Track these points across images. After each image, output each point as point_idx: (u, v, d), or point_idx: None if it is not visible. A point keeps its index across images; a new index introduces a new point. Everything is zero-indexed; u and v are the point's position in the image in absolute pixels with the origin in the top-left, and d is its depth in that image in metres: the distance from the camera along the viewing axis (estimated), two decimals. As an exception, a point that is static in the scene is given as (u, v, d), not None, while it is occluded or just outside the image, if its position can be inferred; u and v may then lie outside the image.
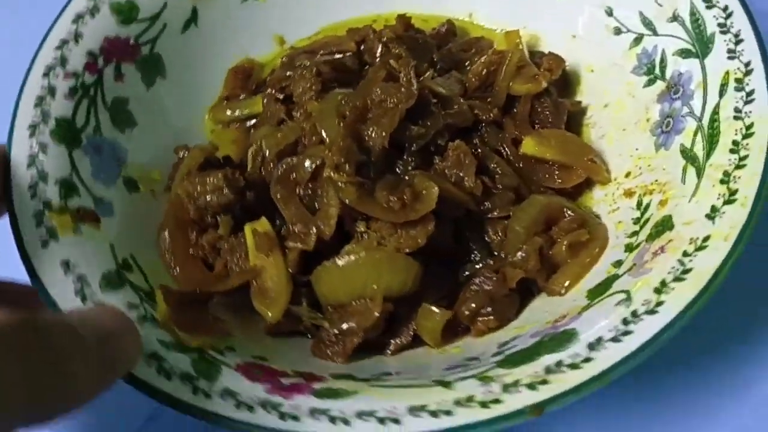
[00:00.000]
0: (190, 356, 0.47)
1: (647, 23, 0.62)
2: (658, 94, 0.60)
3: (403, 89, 0.58)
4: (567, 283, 0.55)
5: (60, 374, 0.36)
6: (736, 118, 0.51)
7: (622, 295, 0.47)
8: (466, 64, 0.69)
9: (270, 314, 0.55)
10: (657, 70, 0.60)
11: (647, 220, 0.54)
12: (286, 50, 0.76)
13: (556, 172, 0.62)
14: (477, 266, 0.58)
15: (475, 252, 0.59)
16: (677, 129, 0.56)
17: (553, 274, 0.56)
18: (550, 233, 0.58)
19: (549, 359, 0.44)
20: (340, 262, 0.54)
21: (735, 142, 0.50)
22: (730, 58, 0.54)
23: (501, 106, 0.65)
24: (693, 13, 0.58)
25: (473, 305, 0.55)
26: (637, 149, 0.60)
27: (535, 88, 0.64)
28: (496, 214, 0.59)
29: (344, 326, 0.54)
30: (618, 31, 0.65)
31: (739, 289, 0.50)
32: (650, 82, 0.61)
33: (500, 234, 0.59)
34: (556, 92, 0.66)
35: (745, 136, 0.50)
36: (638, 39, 0.63)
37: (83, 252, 0.53)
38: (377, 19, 0.78)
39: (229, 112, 0.72)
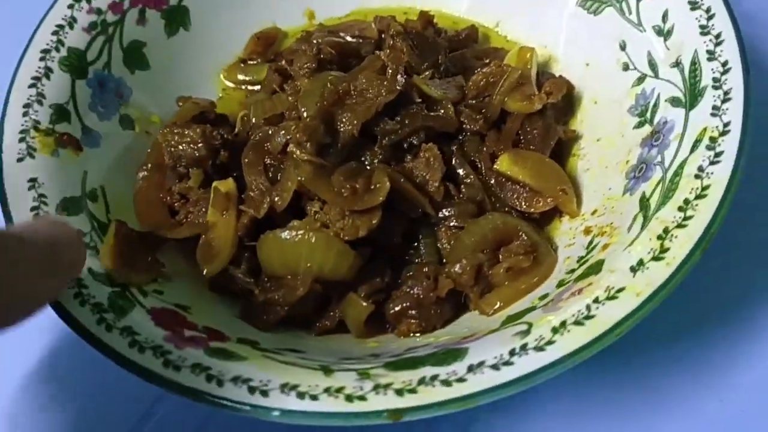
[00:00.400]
0: (111, 290, 0.51)
1: (652, 64, 0.60)
2: (643, 137, 0.58)
3: (386, 83, 0.59)
4: (497, 305, 0.55)
5: (4, 279, 0.38)
6: (696, 176, 0.49)
7: (524, 326, 0.47)
8: (476, 71, 0.69)
9: (206, 269, 0.57)
10: (648, 114, 0.58)
11: (586, 261, 0.53)
12: (313, 25, 0.78)
13: (525, 195, 0.61)
14: (419, 269, 0.58)
15: (423, 255, 0.59)
16: (645, 177, 0.54)
17: (488, 293, 0.56)
18: (498, 252, 0.58)
19: (428, 371, 0.45)
20: (281, 234, 0.56)
21: (686, 201, 0.48)
22: (713, 114, 0.52)
23: (492, 119, 0.64)
24: (694, 62, 0.56)
25: (399, 305, 0.56)
26: (609, 189, 0.59)
27: (528, 108, 0.63)
28: (452, 223, 0.59)
29: (271, 297, 0.56)
30: (626, 67, 0.63)
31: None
32: (640, 125, 0.59)
33: (451, 243, 0.59)
34: (554, 116, 0.65)
35: (698, 197, 0.48)
36: (641, 79, 0.61)
37: (53, 174, 0.57)
38: (408, 11, 0.78)
39: (241, 75, 0.74)
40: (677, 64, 0.57)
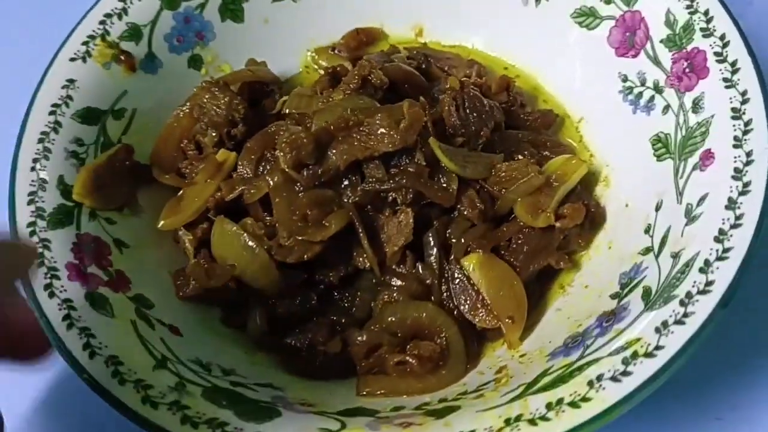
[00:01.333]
0: (62, 201, 0.57)
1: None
2: (610, 294, 0.53)
3: (393, 133, 0.58)
4: (369, 390, 0.54)
5: None
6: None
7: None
8: (525, 153, 0.65)
9: (162, 222, 0.62)
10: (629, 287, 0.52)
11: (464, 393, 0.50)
12: (417, 42, 0.77)
13: (474, 303, 0.57)
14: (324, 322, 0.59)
15: (355, 305, 0.59)
16: (567, 351, 0.49)
17: (375, 374, 0.55)
18: (409, 342, 0.56)
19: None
20: (228, 224, 0.58)
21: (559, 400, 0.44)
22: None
23: (495, 213, 0.61)
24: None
25: (295, 338, 0.57)
26: (549, 342, 0.54)
27: (530, 221, 0.59)
28: (393, 292, 0.58)
29: (196, 272, 0.59)
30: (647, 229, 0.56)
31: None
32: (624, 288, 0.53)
33: (379, 308, 0.58)
34: (563, 240, 0.60)
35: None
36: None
37: (93, 82, 0.64)
38: (509, 68, 0.74)
39: (323, 61, 0.76)
40: (676, 256, 0.50)
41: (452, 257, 0.59)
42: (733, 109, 0.53)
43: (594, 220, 0.61)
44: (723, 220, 0.49)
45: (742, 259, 0.46)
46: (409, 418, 0.47)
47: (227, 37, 0.73)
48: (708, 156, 0.53)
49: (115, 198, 0.61)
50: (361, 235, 0.57)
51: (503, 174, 0.61)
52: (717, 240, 0.48)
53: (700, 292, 0.46)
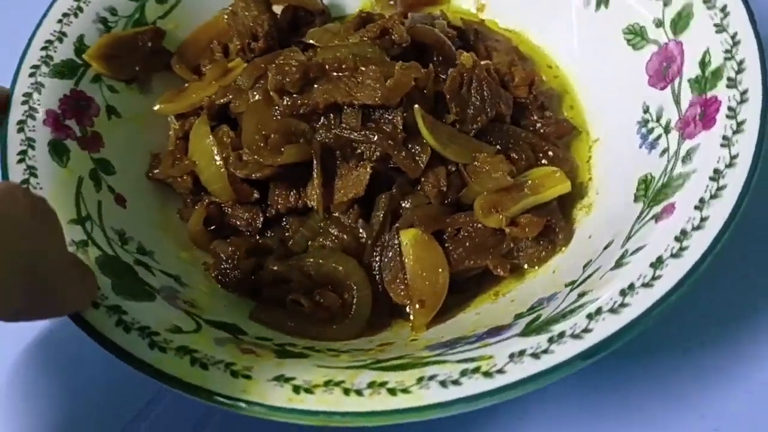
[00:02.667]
0: (73, 57, 0.62)
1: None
2: (516, 313, 0.51)
3: (380, 90, 0.57)
4: (258, 317, 0.55)
5: None
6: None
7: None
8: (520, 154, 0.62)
9: (158, 105, 0.66)
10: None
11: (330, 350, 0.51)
12: (474, 15, 0.75)
13: (394, 275, 0.57)
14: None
15: (289, 236, 0.61)
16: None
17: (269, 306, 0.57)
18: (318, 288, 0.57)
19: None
20: (202, 127, 0.61)
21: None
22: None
23: (456, 201, 0.59)
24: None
25: (221, 247, 0.60)
26: (442, 336, 0.52)
27: (481, 218, 0.57)
28: (321, 238, 0.59)
29: (166, 159, 0.63)
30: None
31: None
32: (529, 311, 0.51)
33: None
34: (510, 244, 0.58)
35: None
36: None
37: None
38: (553, 66, 0.70)
39: (378, 8, 0.76)
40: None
41: (396, 226, 0.59)
42: (715, 171, 0.48)
43: (554, 242, 0.58)
44: (640, 275, 0.45)
45: (623, 326, 0.43)
46: (255, 347, 0.48)
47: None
48: (669, 209, 0.49)
49: (125, 71, 0.65)
50: (315, 173, 0.58)
51: (478, 164, 0.59)
52: (621, 293, 0.44)
53: (573, 336, 0.43)
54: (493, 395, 0.41)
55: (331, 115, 0.59)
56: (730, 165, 0.48)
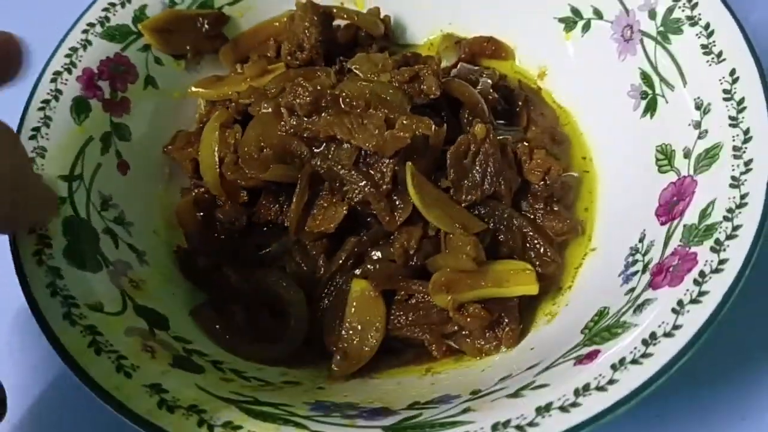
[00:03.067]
0: (128, 23, 0.66)
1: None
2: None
3: (375, 135, 0.57)
4: (198, 317, 0.58)
5: None
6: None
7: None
8: (507, 243, 0.60)
9: (193, 87, 0.69)
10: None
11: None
12: (533, 82, 0.73)
13: (334, 323, 0.57)
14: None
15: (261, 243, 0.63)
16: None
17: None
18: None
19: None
20: (214, 123, 0.64)
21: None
22: None
23: (424, 266, 0.59)
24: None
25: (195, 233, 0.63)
26: (345, 395, 0.53)
27: (430, 293, 0.56)
28: (285, 258, 0.61)
29: (181, 138, 0.67)
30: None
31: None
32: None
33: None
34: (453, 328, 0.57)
35: None
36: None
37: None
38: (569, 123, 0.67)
39: (442, 47, 0.75)
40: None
41: (353, 272, 0.59)
42: (651, 336, 0.45)
43: (501, 341, 0.56)
44: (525, 417, 0.43)
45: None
46: (159, 348, 0.51)
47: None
48: (592, 356, 0.46)
49: (175, 47, 0.69)
50: (295, 197, 0.59)
51: (454, 238, 0.58)
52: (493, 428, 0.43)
53: None
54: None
55: (333, 146, 0.60)
56: (668, 335, 0.44)
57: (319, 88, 0.60)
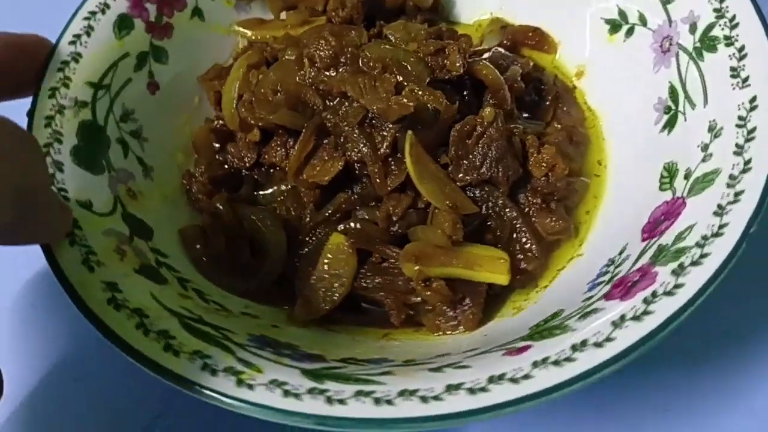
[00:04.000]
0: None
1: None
2: None
3: (381, 98, 0.58)
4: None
5: None
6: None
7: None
8: (495, 232, 0.60)
9: (237, 24, 0.72)
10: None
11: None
12: (569, 79, 0.71)
13: (308, 269, 0.59)
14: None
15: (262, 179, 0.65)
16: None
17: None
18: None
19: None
20: (242, 60, 0.67)
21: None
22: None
23: (405, 233, 0.59)
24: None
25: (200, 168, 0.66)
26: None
27: (400, 262, 0.57)
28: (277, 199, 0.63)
29: (215, 70, 0.70)
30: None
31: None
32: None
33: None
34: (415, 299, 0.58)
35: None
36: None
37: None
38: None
39: (485, 29, 0.75)
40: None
41: (336, 227, 0.60)
42: (583, 342, 0.44)
43: (461, 322, 0.57)
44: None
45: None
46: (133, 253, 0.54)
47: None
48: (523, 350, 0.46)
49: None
50: (299, 143, 0.61)
51: (438, 213, 0.58)
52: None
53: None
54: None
55: (345, 102, 0.61)
56: (598, 344, 0.43)
57: (343, 44, 0.62)
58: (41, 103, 0.57)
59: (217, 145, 0.68)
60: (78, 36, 0.62)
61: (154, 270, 0.54)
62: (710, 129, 0.53)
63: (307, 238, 0.61)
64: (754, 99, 0.51)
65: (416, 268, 0.56)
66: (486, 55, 0.68)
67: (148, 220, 0.59)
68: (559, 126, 0.66)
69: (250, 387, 0.43)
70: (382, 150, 0.59)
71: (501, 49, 0.69)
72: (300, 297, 0.58)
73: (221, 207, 0.62)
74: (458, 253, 0.57)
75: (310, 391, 0.43)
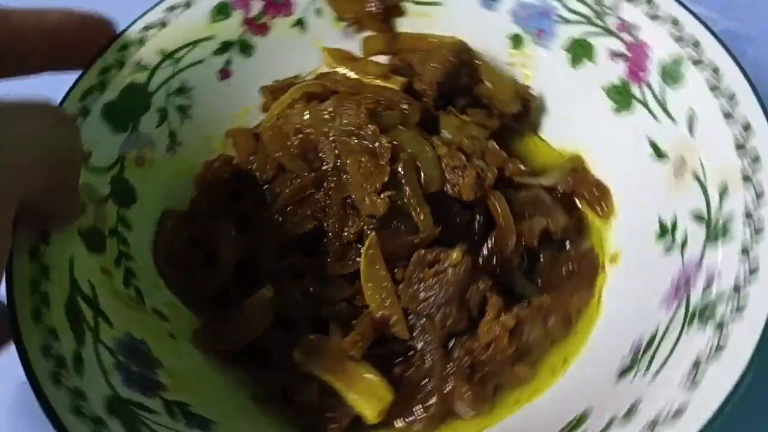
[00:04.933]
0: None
1: None
2: None
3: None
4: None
5: None
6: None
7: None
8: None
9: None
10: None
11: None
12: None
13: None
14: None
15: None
16: None
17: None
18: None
19: None
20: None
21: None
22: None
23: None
24: None
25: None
26: None
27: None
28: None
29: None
30: None
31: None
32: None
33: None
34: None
35: None
36: None
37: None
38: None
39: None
40: None
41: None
42: None
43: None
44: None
45: None
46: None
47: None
48: None
49: (341, 9, 0.72)
50: (288, 189, 0.62)
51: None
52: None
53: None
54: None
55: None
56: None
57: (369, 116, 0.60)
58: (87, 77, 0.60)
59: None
60: (173, 8, 0.66)
61: (99, 236, 0.57)
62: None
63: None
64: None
65: (300, 360, 0.55)
66: (523, 192, 0.63)
67: (141, 188, 0.62)
68: (546, 300, 0.59)
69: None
70: (345, 235, 0.58)
71: (545, 192, 0.63)
72: (206, 328, 0.60)
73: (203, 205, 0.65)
74: (347, 366, 0.55)
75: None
